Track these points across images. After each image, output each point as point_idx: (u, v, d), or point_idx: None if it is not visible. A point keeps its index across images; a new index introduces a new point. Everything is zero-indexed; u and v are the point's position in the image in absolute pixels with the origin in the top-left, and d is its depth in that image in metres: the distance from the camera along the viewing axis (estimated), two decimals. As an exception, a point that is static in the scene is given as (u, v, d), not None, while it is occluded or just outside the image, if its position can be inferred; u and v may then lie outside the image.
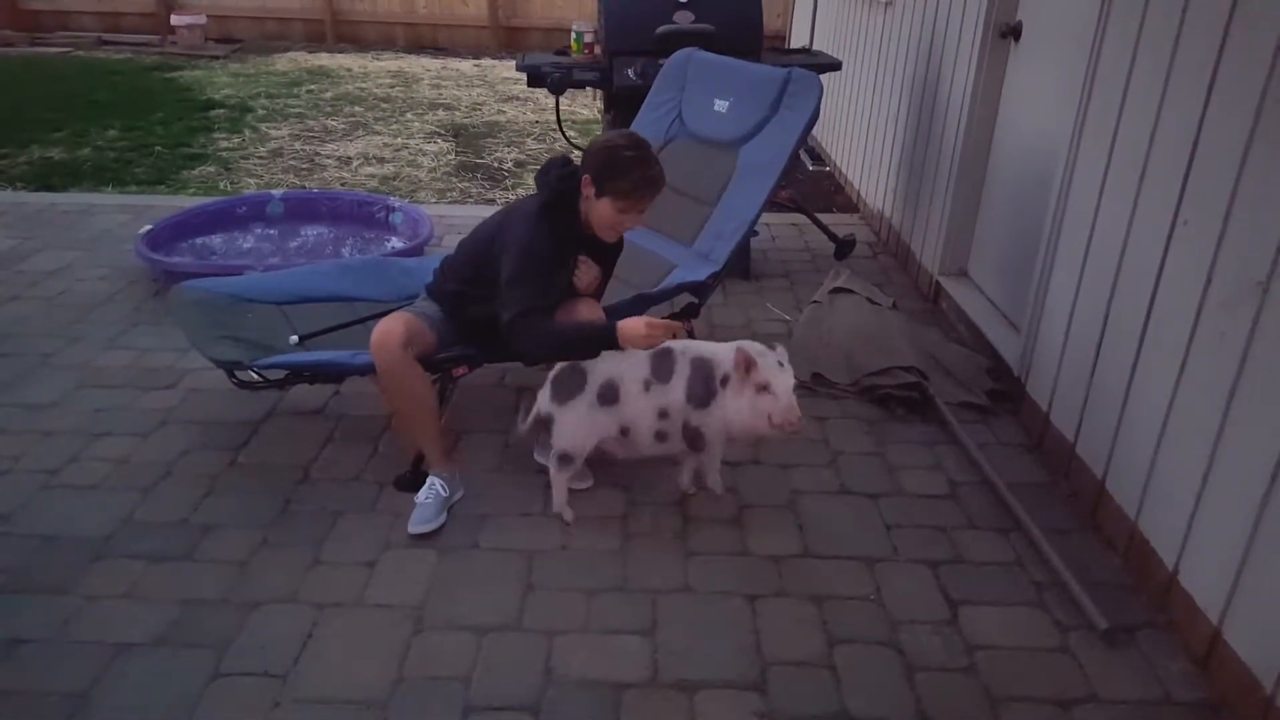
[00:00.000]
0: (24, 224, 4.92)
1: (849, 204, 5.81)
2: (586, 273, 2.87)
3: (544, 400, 2.70)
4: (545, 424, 2.70)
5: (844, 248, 4.70)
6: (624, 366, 2.63)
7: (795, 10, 8.48)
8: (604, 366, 2.63)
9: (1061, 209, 3.05)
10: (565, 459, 2.69)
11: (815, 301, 4.03)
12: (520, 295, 2.60)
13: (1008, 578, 2.56)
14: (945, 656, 2.28)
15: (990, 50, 3.83)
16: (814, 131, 6.98)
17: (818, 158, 6.78)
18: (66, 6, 10.53)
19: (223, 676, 2.18)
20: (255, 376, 2.92)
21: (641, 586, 2.49)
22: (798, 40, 8.09)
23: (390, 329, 2.63)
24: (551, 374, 2.71)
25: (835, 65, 4.64)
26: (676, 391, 2.61)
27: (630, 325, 2.53)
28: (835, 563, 2.60)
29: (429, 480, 2.75)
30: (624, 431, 2.66)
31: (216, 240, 4.68)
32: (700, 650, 2.28)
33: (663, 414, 2.62)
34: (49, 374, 3.47)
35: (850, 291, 3.98)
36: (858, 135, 5.78)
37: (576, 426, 2.65)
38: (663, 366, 2.63)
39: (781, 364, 2.59)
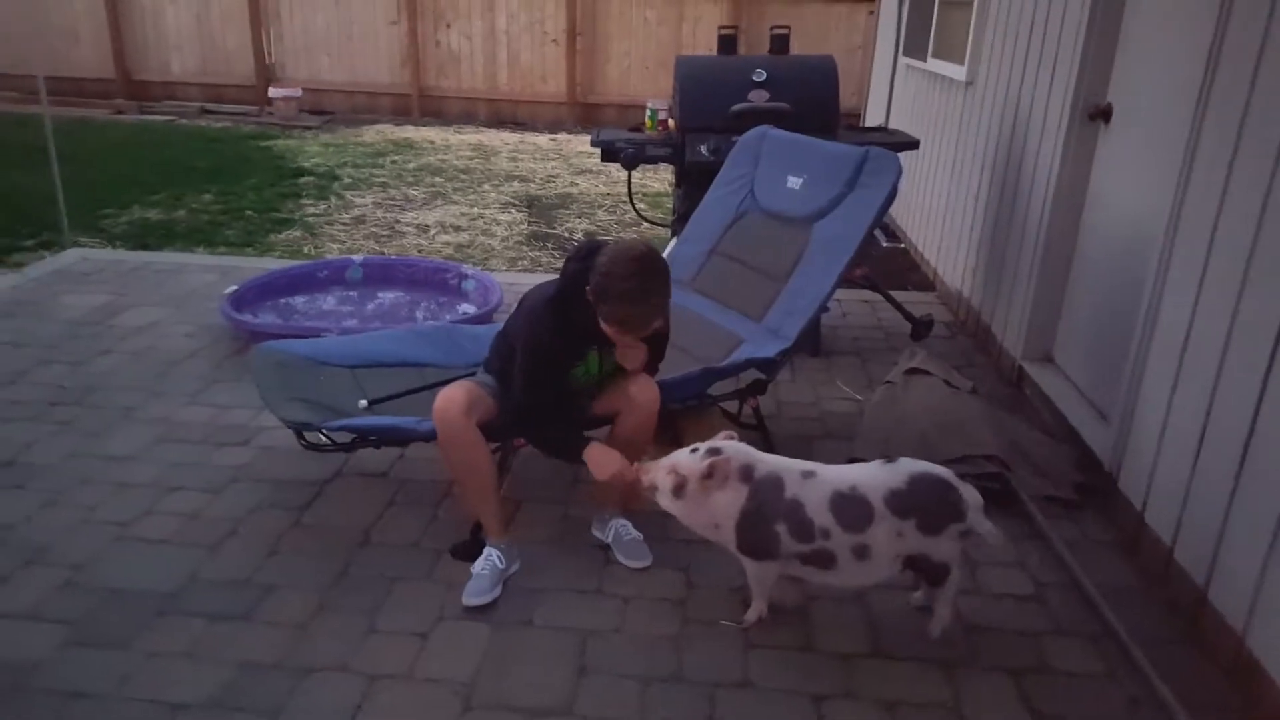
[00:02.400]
0: (119, 280, 5.12)
1: (924, 282, 5.70)
2: (633, 354, 2.72)
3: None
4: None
5: (921, 328, 4.58)
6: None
7: (871, 89, 8.50)
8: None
9: (1157, 296, 2.92)
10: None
11: (889, 382, 3.91)
12: (522, 391, 2.64)
13: (1098, 691, 2.38)
14: (1027, 774, 2.12)
15: (1078, 132, 3.74)
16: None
17: (892, 235, 6.70)
18: (174, 78, 11.17)
19: (272, 746, 2.14)
20: (323, 439, 2.93)
21: (700, 678, 2.38)
22: (873, 118, 8.10)
23: (453, 396, 2.62)
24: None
25: (913, 144, 4.60)
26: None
27: (599, 456, 2.58)
28: (908, 665, 2.45)
29: (486, 550, 2.71)
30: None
31: (298, 302, 4.79)
32: (760, 751, 2.16)
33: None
34: (131, 427, 3.55)
35: (927, 373, 3.86)
36: (936, 213, 5.69)
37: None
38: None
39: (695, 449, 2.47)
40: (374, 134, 10.05)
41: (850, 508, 2.34)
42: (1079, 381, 3.81)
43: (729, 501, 2.39)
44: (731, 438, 2.51)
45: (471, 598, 2.61)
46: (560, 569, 2.79)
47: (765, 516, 2.37)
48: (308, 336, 3.61)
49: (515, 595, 2.66)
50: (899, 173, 3.43)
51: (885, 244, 6.49)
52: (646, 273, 2.50)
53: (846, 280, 3.88)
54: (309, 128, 10.13)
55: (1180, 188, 2.81)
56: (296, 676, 2.34)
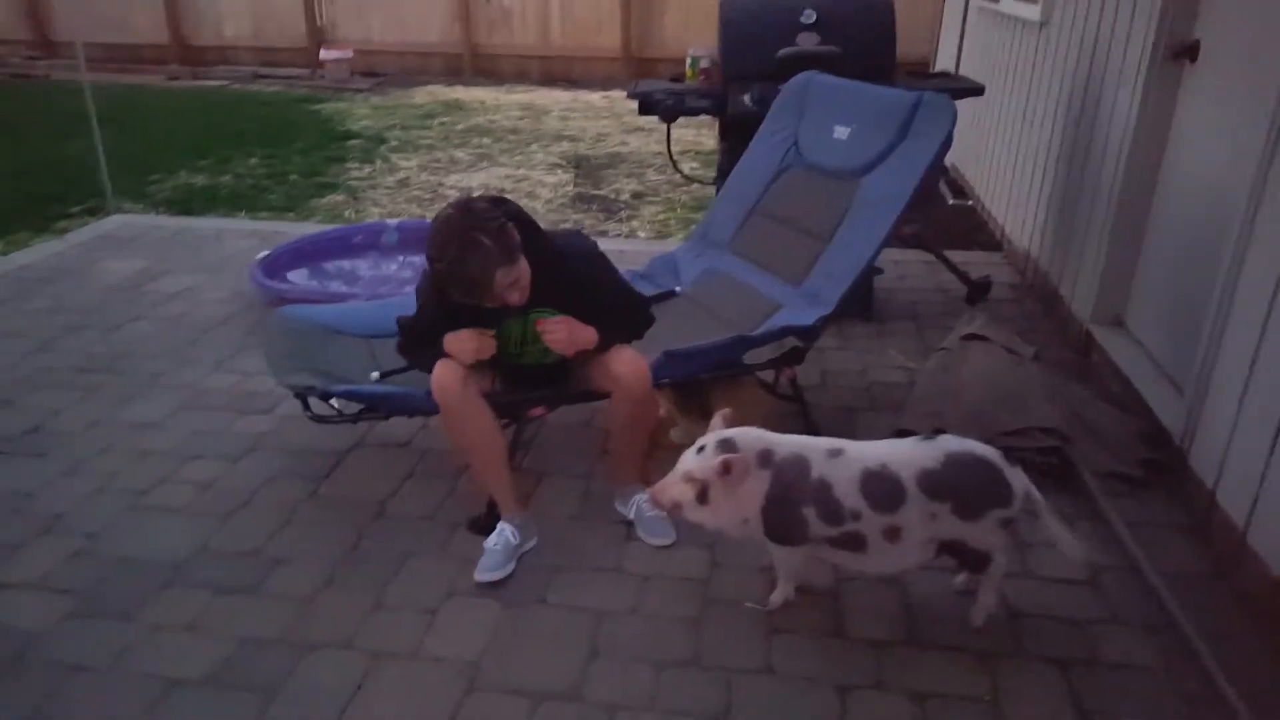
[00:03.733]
0: (158, 246, 5.11)
1: (992, 241, 5.38)
2: (556, 330, 2.51)
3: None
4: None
5: (977, 291, 4.31)
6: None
7: (942, 35, 8.07)
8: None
9: (1241, 255, 2.62)
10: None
11: (944, 348, 3.66)
12: (400, 333, 2.67)
13: (1154, 687, 2.15)
14: (1072, 779, 1.92)
15: (1160, 73, 3.41)
16: (955, 164, 6.60)
17: (959, 191, 6.36)
18: (227, 42, 11.21)
19: (267, 725, 2.05)
20: (330, 409, 2.83)
21: (717, 663, 2.22)
22: (943, 67, 7.69)
23: (449, 368, 2.50)
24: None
25: (977, 90, 4.28)
26: None
27: (454, 343, 2.51)
28: (944, 655, 2.25)
29: (499, 525, 2.59)
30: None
31: (331, 267, 4.72)
32: (778, 745, 2.00)
33: None
34: (157, 394, 3.52)
35: (986, 339, 3.60)
36: (1004, 167, 5.36)
37: None
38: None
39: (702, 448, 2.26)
40: (424, 95, 9.96)
41: (881, 487, 2.15)
42: (1151, 347, 3.51)
43: (752, 492, 2.20)
44: (728, 419, 2.31)
45: (483, 574, 2.50)
46: (579, 546, 2.66)
47: (791, 500, 2.18)
48: (334, 302, 3.52)
49: (530, 572, 2.54)
50: (954, 119, 3.15)
51: (951, 201, 6.17)
52: (455, 239, 2.30)
53: (896, 239, 3.64)
54: (359, 90, 10.08)
55: (1272, 134, 2.50)
56: (298, 653, 2.26)
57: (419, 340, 2.62)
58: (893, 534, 2.15)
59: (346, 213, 6.00)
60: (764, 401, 3.18)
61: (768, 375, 3.25)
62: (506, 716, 2.08)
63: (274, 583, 2.51)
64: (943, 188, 6.30)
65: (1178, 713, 2.08)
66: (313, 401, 2.79)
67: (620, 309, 2.67)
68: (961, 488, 2.13)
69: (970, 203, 6.11)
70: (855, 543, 2.18)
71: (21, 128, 8.08)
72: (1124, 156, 3.60)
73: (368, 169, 7.04)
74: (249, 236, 5.28)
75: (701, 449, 2.24)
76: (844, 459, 2.20)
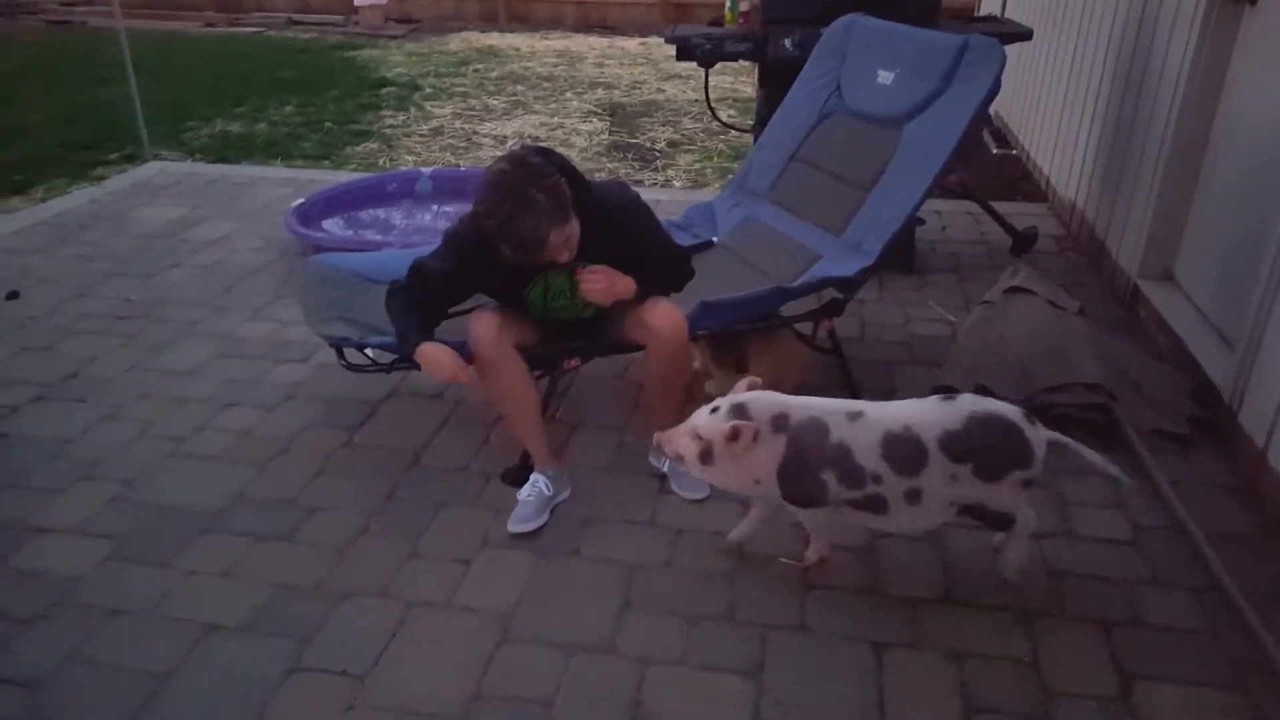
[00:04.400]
0: (195, 194, 5.12)
1: (1037, 192, 5.23)
2: (595, 281, 2.46)
3: None
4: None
5: (1022, 242, 4.19)
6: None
7: (987, -20, 7.80)
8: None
9: (1298, 204, 2.51)
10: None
11: (987, 301, 3.57)
12: (408, 270, 2.53)
13: (1198, 650, 2.11)
14: (1111, 741, 1.89)
15: (1217, 16, 3.25)
16: (999, 112, 6.41)
17: (1003, 140, 6.18)
18: (264, -12, 11.14)
19: (302, 670, 2.09)
20: (364, 358, 2.82)
21: (751, 619, 2.21)
22: (989, 10, 7.43)
23: (484, 319, 2.48)
24: None
25: (1025, 34, 4.12)
26: None
27: (432, 354, 2.39)
28: (983, 614, 2.22)
29: (532, 477, 2.58)
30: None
31: (365, 216, 4.70)
32: (811, 702, 1.99)
33: None
34: (193, 342, 3.54)
35: (1030, 292, 3.50)
36: (1050, 116, 5.18)
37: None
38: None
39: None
40: (459, 42, 9.84)
41: (902, 449, 2.10)
42: (1201, 302, 3.40)
43: (765, 457, 2.16)
44: (756, 385, 2.26)
45: (516, 524, 2.50)
46: (612, 498, 2.64)
47: (808, 465, 2.14)
48: (369, 250, 3.50)
49: (563, 524, 2.53)
50: (1002, 63, 3.03)
51: (995, 150, 6.00)
52: (508, 196, 2.24)
53: (940, 189, 3.54)
54: (394, 37, 9.98)
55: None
56: (333, 601, 2.28)
57: (422, 287, 2.51)
58: (914, 496, 2.11)
59: (381, 161, 5.97)
60: (801, 354, 3.13)
61: (805, 327, 3.19)
62: (539, 667, 2.08)
63: (309, 530, 2.53)
64: (986, 137, 6.12)
65: (1223, 676, 2.04)
66: (348, 351, 2.78)
67: (661, 261, 2.62)
68: (983, 449, 2.09)
69: (1014, 152, 5.94)
70: (876, 504, 2.14)
71: (58, 75, 8.10)
72: (1177, 104, 3.46)
73: (402, 117, 6.99)
74: (284, 184, 5.27)
75: (715, 409, 2.20)
76: (864, 422, 2.15)
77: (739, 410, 2.17)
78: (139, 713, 1.97)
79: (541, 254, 2.31)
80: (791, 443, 2.15)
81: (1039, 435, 2.12)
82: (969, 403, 2.15)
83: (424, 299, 2.52)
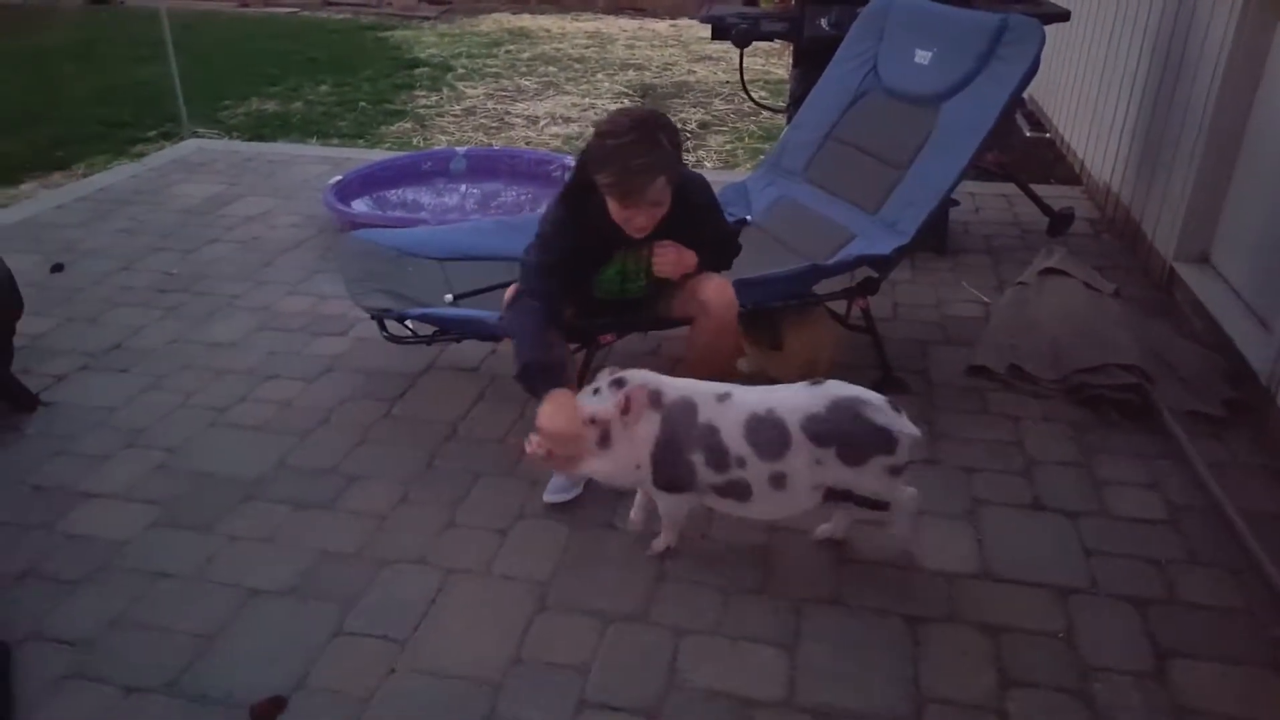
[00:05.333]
0: (233, 171, 5.18)
1: (1071, 175, 5.18)
2: (666, 254, 2.48)
3: None
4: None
5: (1060, 223, 4.16)
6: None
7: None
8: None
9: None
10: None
11: (1021, 283, 3.56)
12: (520, 281, 2.44)
13: (1235, 629, 2.11)
14: (1145, 716, 1.90)
15: (1259, -3, 3.21)
16: (1033, 94, 6.34)
17: (1036, 123, 6.12)
18: (298, -31, 11.17)
19: (344, 635, 2.13)
20: (405, 330, 2.86)
21: (785, 592, 2.23)
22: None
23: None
24: None
25: (1062, 15, 4.07)
26: None
27: (552, 409, 2.18)
28: (1019, 589, 2.23)
29: (567, 450, 2.59)
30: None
31: (400, 194, 4.74)
32: (846, 674, 2.01)
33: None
34: (234, 315, 3.59)
35: (1064, 273, 3.49)
36: (1085, 98, 5.13)
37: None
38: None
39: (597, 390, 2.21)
40: (491, 23, 9.85)
41: (767, 432, 2.10)
42: (1238, 284, 3.37)
43: (645, 435, 2.16)
44: (614, 373, 2.22)
45: (551, 495, 2.53)
46: (646, 471, 2.66)
47: (679, 445, 2.14)
48: (406, 227, 3.53)
49: (598, 497, 2.55)
50: (1041, 43, 3.01)
51: (1029, 133, 5.94)
52: (637, 126, 2.26)
53: (978, 169, 3.53)
54: (427, 18, 10.01)
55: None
56: (374, 567, 2.32)
57: (546, 276, 2.40)
58: (778, 480, 2.11)
59: (415, 140, 6.01)
60: (835, 332, 3.14)
61: (839, 306, 3.20)
62: (576, 634, 2.11)
63: (350, 499, 2.57)
64: (1019, 119, 6.06)
65: (1261, 655, 2.04)
66: (388, 323, 2.82)
67: (718, 240, 2.64)
68: (846, 433, 2.08)
69: (1048, 135, 5.88)
70: (740, 491, 2.15)
71: (99, 54, 8.20)
72: (1215, 87, 3.41)
73: (435, 97, 7.02)
74: (320, 162, 5.32)
75: (596, 390, 2.20)
76: (731, 403, 2.15)
77: (619, 383, 2.18)
78: (185, 672, 2.02)
79: (635, 197, 2.29)
80: (666, 420, 2.16)
81: (904, 424, 2.10)
82: (834, 388, 2.14)
83: (549, 296, 2.40)
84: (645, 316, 2.74)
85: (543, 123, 6.38)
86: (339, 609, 2.19)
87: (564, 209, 2.45)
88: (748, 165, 5.43)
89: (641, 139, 2.24)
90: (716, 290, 2.53)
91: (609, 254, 2.53)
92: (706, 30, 4.18)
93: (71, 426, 2.88)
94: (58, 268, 3.93)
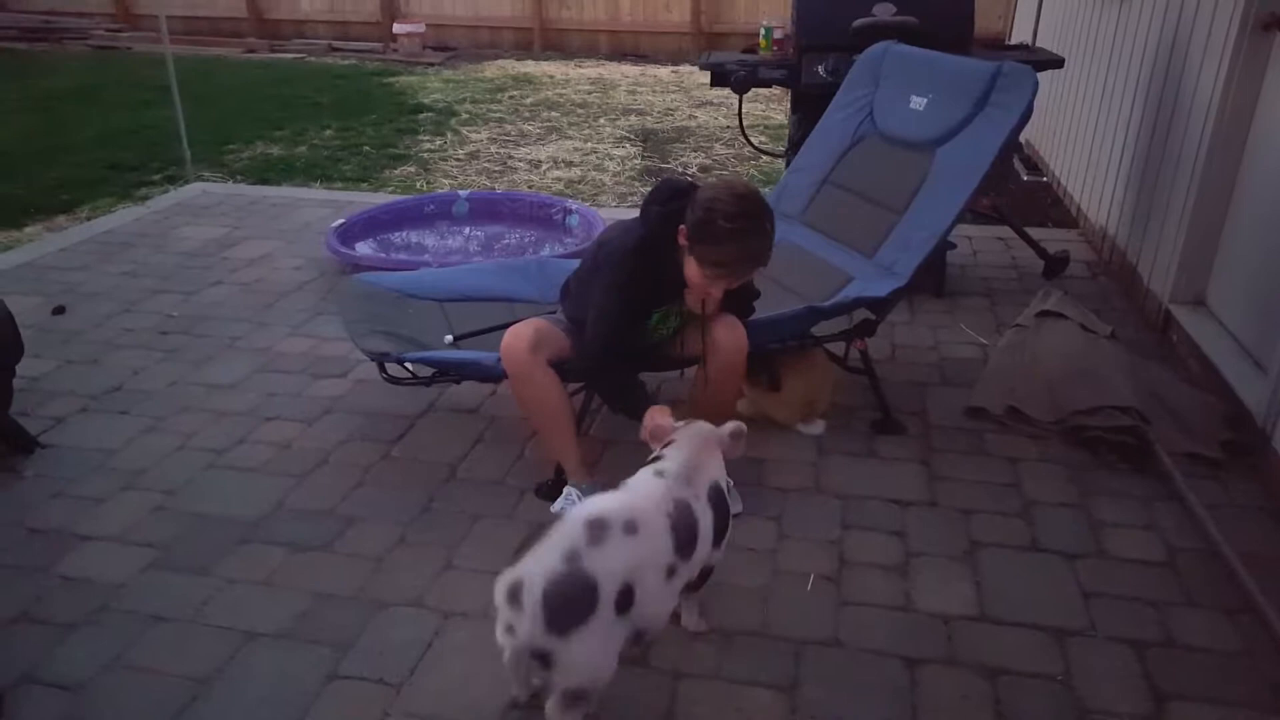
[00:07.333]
0: (236, 214, 5.23)
1: (1068, 219, 5.23)
2: (711, 301, 2.56)
3: (532, 631, 1.78)
4: (541, 660, 1.82)
5: (1055, 265, 4.20)
6: (643, 557, 1.89)
7: (1018, 8, 7.85)
8: (616, 567, 1.81)
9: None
10: (581, 698, 1.85)
11: (1018, 325, 3.58)
12: (596, 338, 2.48)
13: (1233, 671, 2.10)
14: (1146, 761, 1.89)
15: (1248, 46, 3.26)
16: (1030, 139, 6.42)
17: (1034, 167, 6.19)
18: (303, 16, 11.38)
19: (340, 678, 2.11)
20: (404, 372, 2.87)
21: (784, 634, 2.22)
22: (1020, 39, 7.47)
23: (520, 333, 2.52)
24: (539, 594, 1.78)
25: (1056, 62, 4.16)
26: (703, 548, 2.04)
27: (653, 422, 2.28)
28: (1017, 631, 2.22)
29: (565, 490, 2.61)
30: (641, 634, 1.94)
31: (403, 237, 4.79)
32: (845, 716, 1.99)
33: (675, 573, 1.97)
34: (234, 356, 3.61)
35: (1061, 316, 3.51)
36: (1081, 143, 5.20)
37: (596, 654, 1.82)
38: (686, 536, 1.97)
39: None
40: (495, 69, 9.99)
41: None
42: (1234, 327, 3.39)
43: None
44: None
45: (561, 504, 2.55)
46: (644, 513, 2.66)
47: None
48: (408, 270, 3.57)
49: (595, 538, 2.55)
50: (1034, 90, 3.06)
51: (1026, 177, 6.01)
52: (753, 212, 2.32)
53: (973, 212, 3.56)
54: (431, 64, 10.16)
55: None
56: (371, 610, 2.31)
57: (630, 323, 2.53)
58: None
59: (418, 183, 6.08)
60: (833, 373, 3.15)
61: (837, 348, 3.22)
62: (572, 677, 2.10)
63: (347, 541, 2.57)
64: (1016, 163, 6.13)
65: (1260, 698, 2.03)
66: (388, 365, 2.84)
67: (746, 286, 2.66)
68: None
69: (1044, 179, 5.95)
70: None
71: (105, 98, 8.31)
72: (1208, 132, 3.46)
73: (439, 141, 7.10)
74: (323, 205, 5.37)
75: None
76: None
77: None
78: (179, 717, 2.00)
79: (739, 276, 2.43)
80: None
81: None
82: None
83: (628, 342, 2.55)
84: (659, 356, 2.75)
85: (545, 167, 6.46)
86: (334, 653, 2.18)
87: (642, 260, 2.47)
88: (746, 208, 5.47)
89: (756, 226, 2.32)
90: (729, 330, 2.57)
91: (661, 303, 2.58)
92: (707, 76, 4.25)
93: (69, 469, 2.89)
94: (59, 310, 3.96)
